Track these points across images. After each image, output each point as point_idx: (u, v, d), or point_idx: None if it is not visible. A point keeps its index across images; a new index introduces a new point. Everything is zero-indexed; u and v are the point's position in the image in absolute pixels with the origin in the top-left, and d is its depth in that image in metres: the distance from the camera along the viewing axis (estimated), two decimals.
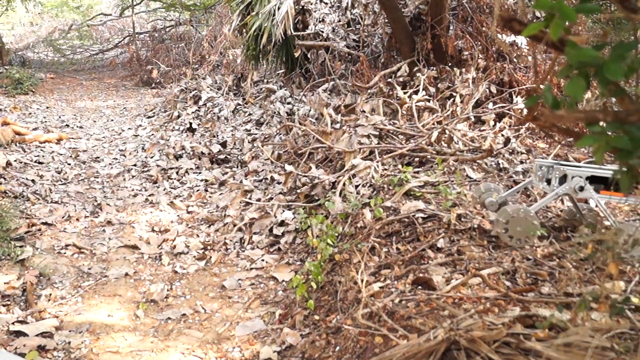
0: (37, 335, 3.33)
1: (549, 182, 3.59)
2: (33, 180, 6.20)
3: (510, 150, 5.32)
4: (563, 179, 3.51)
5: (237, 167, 7.01)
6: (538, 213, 3.53)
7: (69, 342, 3.32)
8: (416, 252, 3.53)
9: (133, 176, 6.83)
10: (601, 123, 1.72)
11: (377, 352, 2.65)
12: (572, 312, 2.35)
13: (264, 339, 3.44)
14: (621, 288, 2.68)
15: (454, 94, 6.33)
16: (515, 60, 6.76)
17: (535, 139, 5.76)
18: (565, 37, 1.62)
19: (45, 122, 9.38)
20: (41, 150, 7.59)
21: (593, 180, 3.48)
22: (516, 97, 6.26)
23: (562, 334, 2.18)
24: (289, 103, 8.49)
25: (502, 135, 5.62)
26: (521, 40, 6.85)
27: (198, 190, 6.27)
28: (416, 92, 6.52)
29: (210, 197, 6.09)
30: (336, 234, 4.16)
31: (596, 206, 3.81)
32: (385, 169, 5.07)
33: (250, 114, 8.65)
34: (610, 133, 1.61)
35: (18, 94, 11.36)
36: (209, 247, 4.85)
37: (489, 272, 3.09)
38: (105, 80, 14.97)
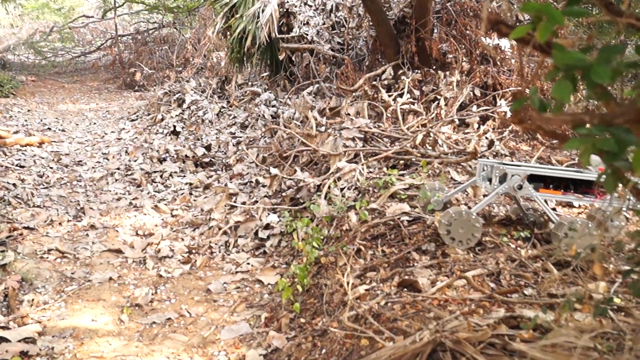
0: (19, 340, 3.27)
1: (491, 181, 3.63)
2: (14, 184, 6.11)
3: (494, 153, 5.37)
4: (503, 178, 3.56)
5: (222, 170, 6.97)
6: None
7: (52, 348, 3.27)
8: (401, 254, 3.54)
9: (116, 180, 6.76)
10: (587, 126, 1.74)
11: (363, 354, 2.64)
12: (556, 313, 2.37)
13: (249, 342, 3.42)
14: (605, 289, 2.71)
15: (439, 97, 6.38)
16: (498, 63, 6.82)
17: (518, 141, 5.82)
18: (552, 40, 1.64)
19: (27, 125, 9.25)
20: (22, 153, 7.48)
21: (533, 179, 3.53)
22: (500, 100, 6.31)
23: (547, 335, 2.19)
24: (273, 106, 8.48)
25: (486, 137, 5.67)
26: (504, 44, 6.91)
27: (182, 194, 6.22)
28: (401, 95, 6.56)
29: (194, 200, 6.04)
30: (322, 237, 4.16)
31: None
32: (371, 172, 5.08)
33: (234, 117, 8.62)
34: (596, 135, 1.64)
35: None
36: (193, 251, 4.81)
37: (474, 274, 3.11)
38: (88, 83, 14.81)
